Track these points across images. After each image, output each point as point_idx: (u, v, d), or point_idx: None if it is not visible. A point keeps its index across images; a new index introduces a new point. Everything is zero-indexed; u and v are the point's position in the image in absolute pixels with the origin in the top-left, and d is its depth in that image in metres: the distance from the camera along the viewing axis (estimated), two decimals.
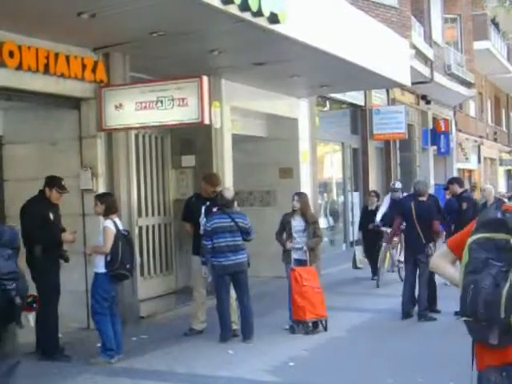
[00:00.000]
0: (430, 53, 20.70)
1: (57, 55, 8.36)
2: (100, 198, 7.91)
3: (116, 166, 9.36)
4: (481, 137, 32.42)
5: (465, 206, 10.47)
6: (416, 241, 9.93)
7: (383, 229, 13.03)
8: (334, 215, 17.21)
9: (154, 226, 11.61)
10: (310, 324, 8.99)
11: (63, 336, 8.15)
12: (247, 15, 7.74)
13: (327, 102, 16.95)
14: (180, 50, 9.05)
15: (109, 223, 7.62)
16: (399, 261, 13.30)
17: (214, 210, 8.71)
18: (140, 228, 10.87)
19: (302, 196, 9.55)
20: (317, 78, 12.20)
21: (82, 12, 7.29)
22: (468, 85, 26.56)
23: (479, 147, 32.17)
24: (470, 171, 30.72)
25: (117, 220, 7.78)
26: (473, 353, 3.15)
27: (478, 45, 28.72)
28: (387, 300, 11.29)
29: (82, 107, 9.19)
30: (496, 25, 32.83)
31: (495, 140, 36.07)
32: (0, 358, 5.16)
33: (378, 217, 13.27)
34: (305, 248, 9.21)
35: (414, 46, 18.09)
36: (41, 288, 7.73)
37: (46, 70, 8.23)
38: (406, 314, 9.94)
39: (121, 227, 7.76)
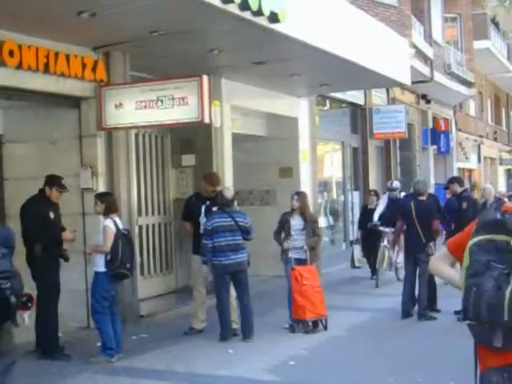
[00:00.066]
0: (430, 52, 20.70)
1: (57, 54, 8.36)
2: (100, 197, 7.91)
3: (116, 165, 9.36)
4: (481, 136, 32.42)
5: (465, 205, 10.47)
6: (416, 240, 9.93)
7: (381, 228, 13.03)
8: (333, 214, 17.21)
9: (154, 225, 11.62)
10: (310, 323, 9.00)
11: (63, 335, 8.16)
12: (247, 14, 7.74)
13: (327, 101, 16.95)
14: (180, 49, 9.05)
15: (109, 222, 7.62)
16: (397, 262, 13.30)
17: (214, 209, 8.71)
18: (140, 227, 10.87)
19: (301, 195, 9.55)
20: (317, 77, 12.21)
21: (82, 11, 7.29)
22: (468, 84, 26.56)
23: (479, 146, 32.16)
24: (470, 171, 30.72)
25: (117, 219, 7.77)
26: (476, 354, 3.12)
27: (478, 44, 28.72)
28: (387, 299, 11.29)
29: (82, 106, 9.19)
30: (496, 24, 32.83)
31: (495, 139, 36.07)
32: None
33: (376, 216, 13.26)
34: (305, 247, 9.21)
35: (413, 45, 18.08)
36: (41, 287, 7.75)
37: (46, 69, 8.23)
38: (406, 314, 9.94)
39: (121, 226, 7.76)
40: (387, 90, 19.30)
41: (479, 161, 32.24)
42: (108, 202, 7.76)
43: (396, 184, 13.68)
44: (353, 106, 18.00)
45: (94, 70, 8.93)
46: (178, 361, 7.70)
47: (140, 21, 7.92)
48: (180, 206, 10.31)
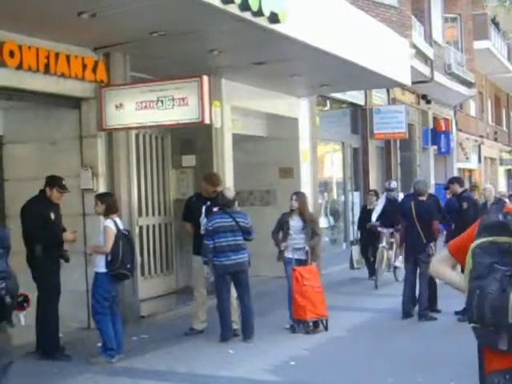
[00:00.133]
0: (430, 52, 20.70)
1: (57, 55, 8.36)
2: (100, 197, 7.91)
3: (116, 165, 9.36)
4: (481, 136, 32.41)
5: (465, 205, 10.47)
6: (416, 240, 9.93)
7: (379, 229, 13.01)
8: (334, 215, 17.20)
9: (154, 226, 11.62)
10: (311, 323, 9.00)
11: (64, 336, 8.15)
12: (247, 15, 7.74)
13: (327, 102, 16.94)
14: (180, 49, 9.05)
15: (109, 223, 7.62)
16: (395, 266, 13.29)
17: (215, 209, 8.72)
18: (140, 228, 10.87)
19: (300, 195, 9.55)
20: (317, 77, 12.21)
21: (83, 12, 7.29)
22: (468, 84, 26.56)
23: (479, 147, 32.16)
24: (471, 171, 30.71)
25: (117, 220, 7.78)
26: (480, 356, 3.10)
27: (479, 44, 28.71)
28: (387, 300, 11.29)
29: (82, 107, 9.19)
30: (496, 24, 32.82)
31: (495, 140, 36.06)
32: None
33: (374, 217, 13.25)
34: (307, 248, 9.21)
35: (414, 46, 18.08)
36: (41, 288, 7.76)
37: (47, 70, 8.23)
38: (407, 314, 9.94)
39: (121, 227, 7.76)
40: (387, 91, 19.30)
41: (479, 161, 32.23)
42: (108, 203, 7.76)
43: (394, 184, 13.68)
44: (353, 106, 18.00)
45: (94, 70, 8.93)
46: (178, 361, 7.70)
47: (140, 21, 7.92)
48: (180, 207, 10.31)
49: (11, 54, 7.74)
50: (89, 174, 9.09)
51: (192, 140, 11.58)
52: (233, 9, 7.47)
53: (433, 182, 22.70)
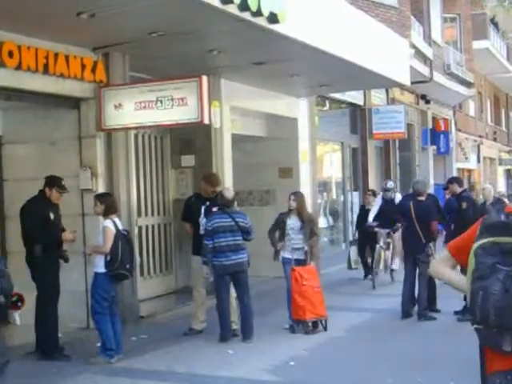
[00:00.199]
0: (429, 52, 20.71)
1: (56, 55, 8.36)
2: (99, 197, 7.91)
3: (115, 165, 9.36)
4: (480, 136, 32.42)
5: (464, 205, 10.46)
6: (415, 240, 9.93)
7: (376, 229, 12.98)
8: (333, 215, 17.21)
9: (153, 226, 11.62)
10: (310, 324, 8.99)
11: (63, 336, 8.15)
12: (246, 15, 7.74)
13: (327, 102, 16.94)
14: (179, 49, 9.05)
15: (108, 223, 7.62)
16: (392, 270, 13.26)
17: (214, 209, 8.71)
18: (140, 228, 10.88)
19: (298, 195, 9.55)
20: (316, 77, 12.21)
21: (82, 12, 7.29)
22: (467, 84, 26.57)
23: (479, 147, 32.17)
24: (470, 171, 30.73)
25: (116, 220, 7.78)
26: (482, 357, 3.09)
27: (478, 44, 28.72)
28: (387, 300, 11.29)
29: (81, 107, 9.19)
30: (495, 24, 32.84)
31: (495, 140, 36.08)
32: None
33: (371, 217, 13.22)
34: (305, 248, 9.21)
35: (413, 46, 18.09)
36: (41, 288, 7.76)
37: (46, 70, 8.23)
38: (406, 314, 9.94)
39: (120, 227, 7.76)
40: (387, 91, 19.31)
41: (479, 161, 32.24)
42: (107, 203, 7.76)
43: (390, 184, 13.65)
44: (352, 106, 18.01)
45: (93, 70, 8.93)
46: (177, 361, 7.70)
47: (139, 22, 7.92)
48: (180, 207, 10.31)
49: (10, 54, 7.74)
50: (88, 174, 9.09)
51: (191, 140, 11.58)
52: (232, 9, 7.47)
53: (432, 182, 22.71)
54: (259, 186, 13.97)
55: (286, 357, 7.82)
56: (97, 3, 7.18)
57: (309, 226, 9.31)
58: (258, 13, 7.82)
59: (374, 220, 13.08)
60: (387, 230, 12.96)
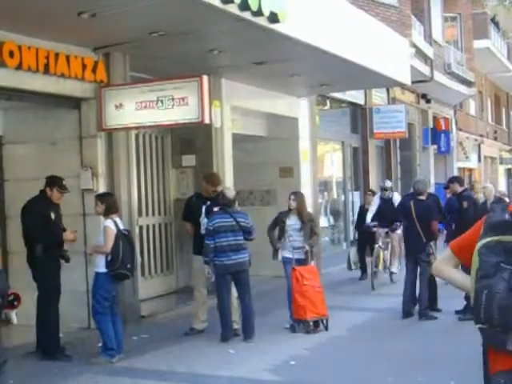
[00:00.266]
0: (430, 51, 20.70)
1: (57, 55, 8.36)
2: (100, 197, 7.91)
3: (116, 165, 9.36)
4: (481, 135, 32.41)
5: (465, 204, 10.47)
6: (416, 240, 9.93)
7: (374, 229, 12.96)
8: (334, 214, 17.20)
9: (154, 226, 11.63)
10: (311, 323, 9.00)
11: (64, 336, 8.15)
12: (247, 15, 7.74)
13: (327, 101, 16.95)
14: (180, 49, 9.05)
15: (109, 223, 7.62)
16: (392, 273, 13.24)
17: (215, 209, 8.72)
18: (140, 227, 10.88)
19: (298, 195, 9.55)
20: (317, 77, 12.21)
21: (83, 12, 7.29)
22: (468, 84, 26.56)
23: (479, 146, 32.16)
24: (471, 170, 30.72)
25: (117, 220, 7.78)
26: (485, 357, 3.07)
27: (478, 43, 28.71)
28: (388, 299, 11.30)
29: (82, 107, 9.19)
30: (496, 23, 32.82)
31: (495, 139, 36.07)
32: None
33: (369, 217, 13.20)
34: (307, 247, 9.22)
35: (414, 45, 18.08)
36: (42, 288, 7.77)
37: (46, 70, 8.23)
38: (407, 313, 9.94)
39: (121, 227, 7.76)
40: (387, 90, 19.31)
41: (479, 160, 32.23)
42: (108, 203, 7.76)
43: (388, 183, 13.65)
44: (353, 105, 18.01)
45: (94, 70, 8.93)
46: (178, 361, 7.70)
47: (140, 21, 7.92)
48: (180, 207, 10.31)
49: (11, 54, 7.74)
50: (89, 174, 9.09)
51: (192, 140, 11.58)
52: (232, 9, 7.47)
53: (433, 181, 22.71)
54: (260, 185, 13.97)
55: (287, 356, 7.82)
56: (97, 3, 7.19)
57: (309, 226, 9.32)
58: (259, 12, 7.82)
59: (372, 220, 13.06)
60: (385, 230, 12.94)
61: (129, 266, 7.63)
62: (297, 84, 12.60)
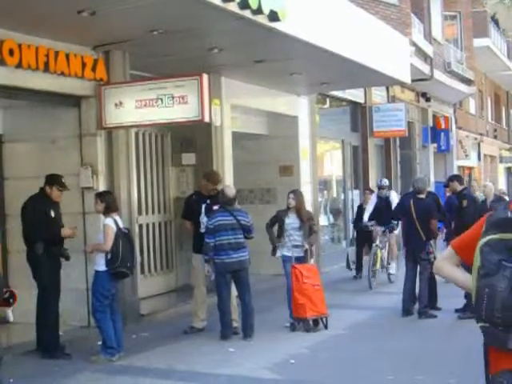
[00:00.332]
0: (429, 50, 20.68)
1: (57, 53, 8.36)
2: (100, 196, 7.90)
3: (116, 164, 9.35)
4: (481, 134, 32.40)
5: (465, 203, 10.46)
6: (416, 238, 9.93)
7: (371, 228, 12.94)
8: (334, 213, 17.19)
9: (154, 224, 11.63)
10: (311, 321, 9.00)
11: (64, 334, 8.17)
12: (247, 13, 7.74)
13: (327, 100, 16.95)
14: (180, 47, 9.05)
15: (109, 221, 7.62)
16: (390, 274, 13.21)
17: (215, 207, 8.72)
18: (140, 226, 10.88)
19: (297, 194, 9.55)
20: (317, 75, 12.21)
21: (82, 10, 7.29)
22: (468, 82, 26.54)
23: (479, 144, 32.16)
24: (470, 169, 30.72)
25: (117, 218, 7.77)
26: (486, 356, 3.05)
27: (478, 42, 28.68)
28: (387, 297, 11.31)
29: (81, 105, 9.18)
30: (496, 22, 32.80)
31: (495, 137, 36.06)
32: None
33: (366, 216, 13.18)
34: (306, 246, 9.22)
35: (413, 44, 18.07)
36: (41, 286, 7.77)
37: (46, 69, 8.23)
38: (407, 312, 9.95)
39: (121, 225, 7.76)
40: (387, 89, 19.29)
41: (479, 159, 32.23)
42: (108, 201, 7.76)
43: (385, 182, 13.62)
44: (353, 104, 17.99)
45: (93, 68, 8.93)
46: (178, 359, 7.71)
47: (140, 20, 7.92)
48: (180, 205, 10.32)
49: (11, 52, 7.74)
50: (88, 172, 9.08)
51: (192, 138, 11.58)
52: (232, 7, 7.46)
53: (432, 179, 22.70)
54: (260, 184, 13.97)
55: (287, 355, 7.82)
56: (97, 1, 7.19)
57: (308, 225, 9.33)
58: (259, 11, 7.82)
59: (370, 219, 13.04)
60: (383, 229, 12.91)
61: (128, 264, 7.64)
62: (297, 82, 12.60)
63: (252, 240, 8.78)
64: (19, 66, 7.88)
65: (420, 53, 19.66)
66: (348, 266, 14.01)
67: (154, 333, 9.00)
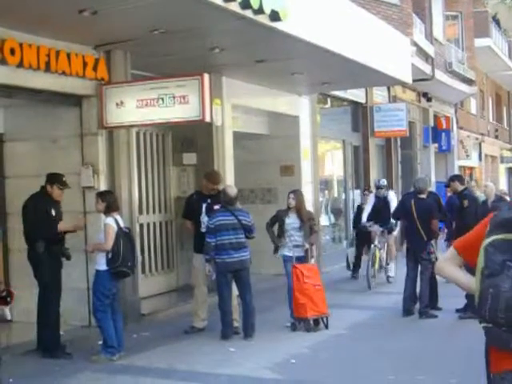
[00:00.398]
0: (431, 50, 20.68)
1: (58, 53, 8.36)
2: (101, 195, 7.91)
3: (117, 163, 9.35)
4: (482, 134, 32.39)
5: (466, 203, 10.46)
6: (417, 238, 9.93)
7: (370, 229, 12.91)
8: (335, 213, 17.19)
9: (154, 224, 11.63)
10: (312, 321, 9.00)
11: (64, 333, 8.16)
12: (248, 13, 7.74)
13: (328, 100, 16.94)
14: (181, 47, 9.05)
15: (110, 220, 7.62)
16: (388, 276, 13.18)
17: (216, 207, 8.73)
18: (141, 225, 10.88)
19: (297, 194, 9.56)
20: (318, 75, 12.20)
21: (84, 9, 7.29)
22: (469, 82, 26.53)
23: (480, 144, 32.14)
24: (471, 169, 30.71)
25: (118, 217, 7.77)
26: (487, 356, 3.04)
27: (479, 42, 28.66)
28: (388, 297, 11.31)
29: (83, 105, 9.18)
30: (497, 22, 32.78)
31: (496, 137, 36.04)
32: None
33: (364, 217, 13.15)
34: (306, 246, 9.23)
35: (415, 44, 18.07)
36: (42, 285, 7.77)
37: (47, 68, 8.23)
38: (407, 312, 9.95)
39: (122, 224, 7.76)
40: (388, 89, 19.29)
41: (480, 159, 32.21)
42: (109, 201, 7.76)
43: (383, 182, 13.60)
44: (354, 104, 17.99)
45: (95, 68, 8.93)
46: (178, 359, 7.71)
47: (141, 19, 7.92)
48: (181, 205, 10.31)
49: (12, 51, 7.74)
50: (89, 171, 9.08)
51: (193, 138, 11.58)
52: (234, 7, 7.46)
53: (433, 179, 22.69)
54: (261, 183, 13.97)
55: (288, 354, 7.82)
56: (99, 1, 7.19)
57: (308, 224, 9.33)
58: (260, 10, 7.81)
59: (368, 219, 13.02)
60: (381, 229, 12.88)
61: (129, 263, 7.64)
62: (298, 82, 12.59)
63: (253, 240, 8.78)
64: (20, 65, 7.88)
65: (421, 53, 19.66)
66: (348, 267, 14.01)
67: (154, 332, 9.00)
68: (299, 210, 9.32)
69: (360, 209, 14.15)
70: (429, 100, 22.86)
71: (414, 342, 8.45)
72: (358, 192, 17.93)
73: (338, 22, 10.22)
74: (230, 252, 8.44)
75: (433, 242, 10.00)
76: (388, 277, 13.16)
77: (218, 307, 8.62)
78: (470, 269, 3.12)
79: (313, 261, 9.54)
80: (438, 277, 9.85)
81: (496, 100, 37.76)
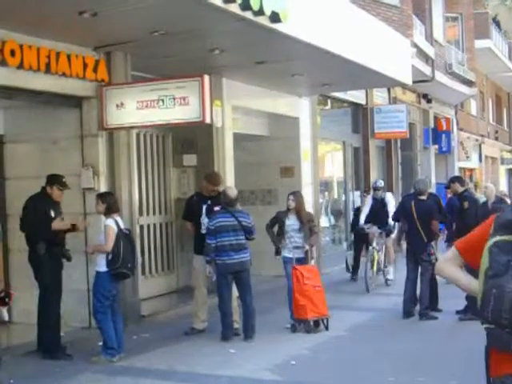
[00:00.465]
0: (431, 51, 20.69)
1: (58, 54, 8.36)
2: (101, 197, 7.91)
3: (117, 164, 9.36)
4: (482, 136, 32.39)
5: (466, 204, 10.47)
6: (417, 240, 9.93)
7: (367, 231, 12.87)
8: (335, 214, 17.19)
9: (155, 225, 11.63)
10: (312, 323, 9.00)
11: (65, 335, 8.16)
12: (248, 14, 7.74)
13: (328, 101, 16.95)
14: (181, 48, 9.05)
15: (110, 222, 7.62)
16: (387, 279, 13.15)
17: (216, 208, 8.73)
18: (141, 227, 10.89)
19: (297, 195, 9.55)
20: (318, 76, 12.21)
21: (84, 11, 7.29)
22: (469, 83, 26.54)
23: (480, 146, 32.14)
24: (472, 170, 30.71)
25: (118, 219, 7.78)
26: (487, 358, 3.01)
27: (480, 43, 28.67)
28: (388, 299, 11.30)
29: (83, 106, 9.18)
30: (497, 23, 32.79)
31: (496, 139, 36.04)
32: None
33: (362, 218, 13.13)
34: (306, 247, 9.23)
35: (415, 45, 18.07)
36: (43, 286, 7.78)
37: (48, 69, 8.23)
38: (408, 313, 9.95)
39: (122, 226, 7.76)
40: (388, 90, 19.29)
41: (480, 160, 32.21)
42: (109, 202, 7.77)
43: (380, 183, 13.58)
44: (354, 105, 18.00)
45: (95, 69, 8.93)
46: (179, 360, 7.71)
47: (141, 21, 7.92)
48: (181, 206, 10.31)
49: (12, 53, 7.74)
50: (90, 173, 9.09)
51: (193, 139, 11.58)
52: (234, 8, 7.46)
53: (434, 181, 22.69)
54: (261, 185, 13.97)
55: (288, 356, 7.82)
56: (99, 2, 7.19)
57: (308, 226, 9.33)
58: (260, 12, 7.81)
59: (365, 221, 12.99)
60: (379, 230, 12.85)
61: (129, 265, 7.64)
62: (298, 84, 12.60)
63: (253, 241, 8.78)
64: (20, 66, 7.88)
65: (421, 54, 19.67)
66: (348, 269, 14.00)
67: (154, 334, 9.00)
68: (299, 211, 9.32)
69: (358, 211, 14.13)
70: (429, 101, 22.87)
71: (414, 344, 8.45)
72: (357, 193, 17.93)
73: (339, 23, 10.22)
74: (230, 253, 8.44)
75: (433, 243, 9.99)
76: (387, 280, 13.13)
77: (218, 309, 8.62)
78: (471, 270, 3.11)
79: (313, 262, 9.54)
80: (438, 278, 9.86)
81: (496, 101, 37.77)
